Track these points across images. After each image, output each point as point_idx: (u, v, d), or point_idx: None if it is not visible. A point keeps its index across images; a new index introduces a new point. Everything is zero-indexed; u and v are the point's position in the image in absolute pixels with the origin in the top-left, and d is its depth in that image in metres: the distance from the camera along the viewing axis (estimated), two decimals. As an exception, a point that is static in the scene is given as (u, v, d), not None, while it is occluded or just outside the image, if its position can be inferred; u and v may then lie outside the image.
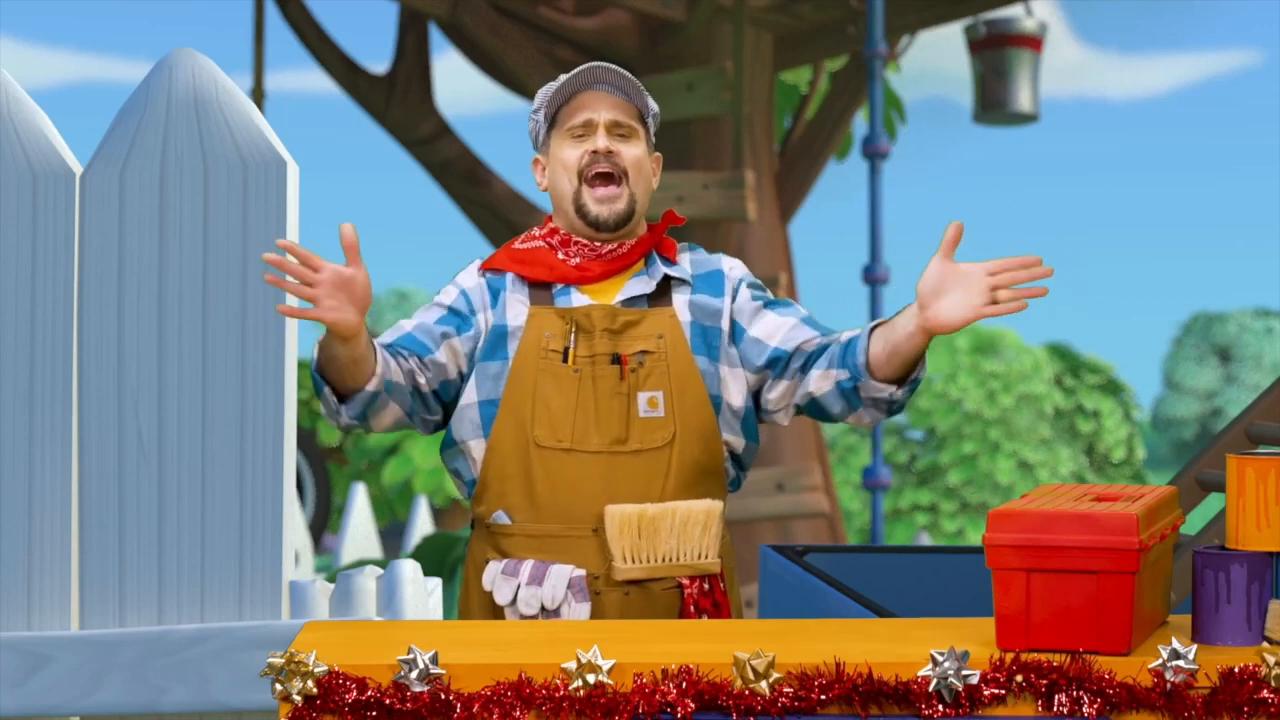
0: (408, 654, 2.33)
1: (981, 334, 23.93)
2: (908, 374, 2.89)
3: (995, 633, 2.42)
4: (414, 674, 2.32)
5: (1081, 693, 2.31)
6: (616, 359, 2.94)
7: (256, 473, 3.10)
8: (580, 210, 2.98)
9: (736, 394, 3.00)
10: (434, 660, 2.33)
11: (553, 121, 3.04)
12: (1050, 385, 23.76)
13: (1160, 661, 2.32)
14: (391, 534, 18.71)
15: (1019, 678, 2.32)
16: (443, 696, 2.31)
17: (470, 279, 3.06)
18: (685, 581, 2.92)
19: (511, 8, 9.58)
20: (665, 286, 3.02)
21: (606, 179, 2.98)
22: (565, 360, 2.94)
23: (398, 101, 9.96)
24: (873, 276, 8.62)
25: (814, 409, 2.99)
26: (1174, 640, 2.33)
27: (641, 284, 3.01)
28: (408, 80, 9.98)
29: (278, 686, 2.33)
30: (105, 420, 3.12)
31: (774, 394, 3.00)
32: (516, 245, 3.06)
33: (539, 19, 9.59)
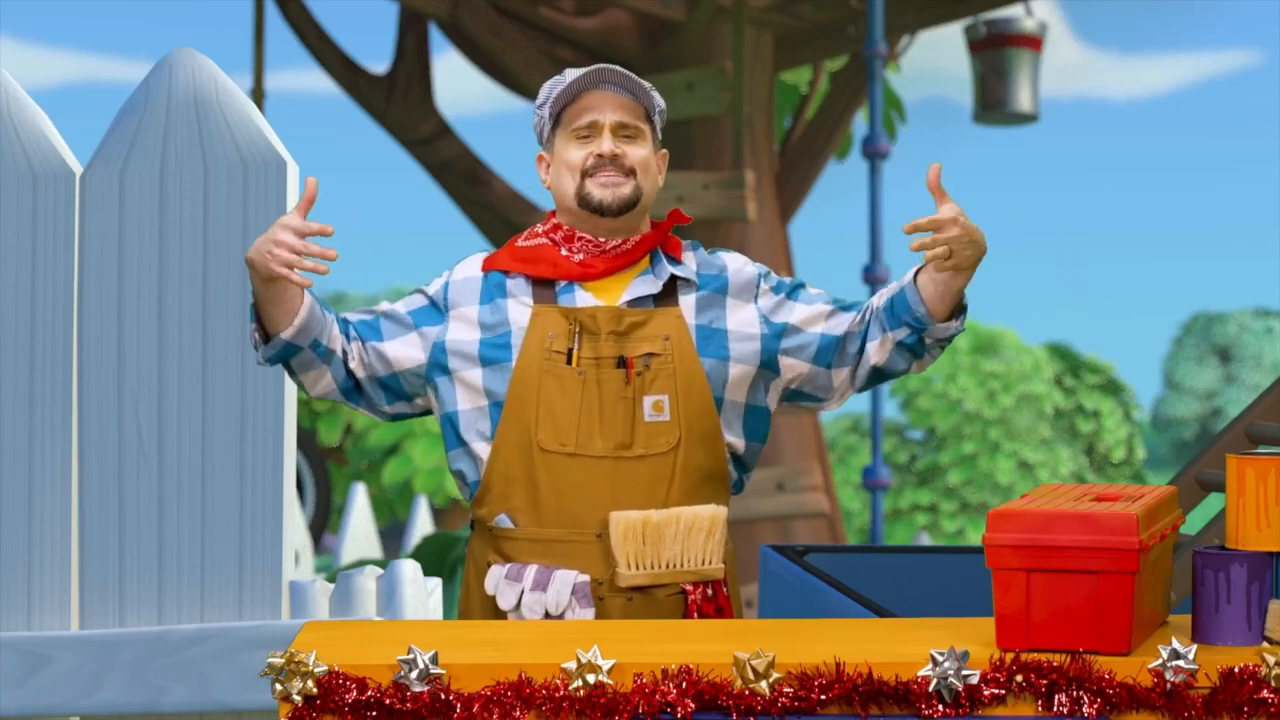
0: (408, 654, 2.33)
1: (981, 334, 23.93)
2: (956, 306, 2.96)
3: (995, 633, 2.42)
4: (414, 674, 2.32)
5: (1081, 693, 2.31)
6: (622, 362, 2.92)
7: (256, 473, 3.10)
8: (583, 199, 2.96)
9: (743, 392, 2.99)
10: (434, 660, 2.32)
11: (557, 120, 3.01)
12: (1050, 385, 23.77)
13: (1160, 661, 2.32)
14: (391, 534, 18.71)
15: (1019, 678, 2.32)
16: (443, 696, 2.31)
17: (464, 270, 3.03)
18: (689, 587, 2.92)
19: (511, 8, 9.59)
20: (671, 286, 3.00)
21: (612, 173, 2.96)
22: (569, 362, 2.92)
23: (398, 101, 9.96)
24: (873, 276, 8.62)
25: (876, 377, 3.05)
26: (1174, 640, 2.33)
27: (647, 284, 2.99)
28: (408, 80, 9.98)
29: (278, 686, 2.33)
30: (105, 420, 3.12)
31: (835, 379, 3.03)
32: (519, 243, 3.03)
33: (539, 19, 9.60)
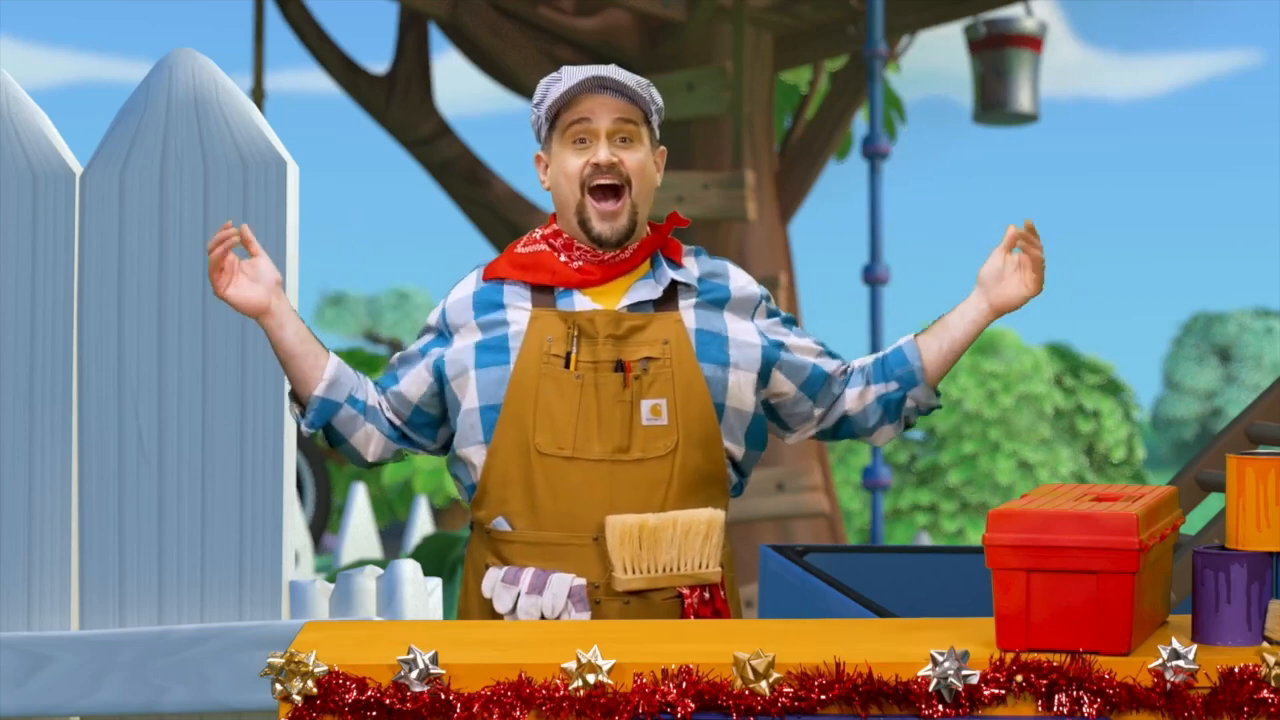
0: (408, 654, 2.33)
1: (982, 334, 23.92)
2: (946, 372, 3.11)
3: (995, 633, 2.42)
4: (414, 674, 2.32)
5: (1081, 693, 2.31)
6: (620, 366, 2.92)
7: (256, 473, 3.10)
8: (583, 224, 2.97)
9: (747, 401, 2.99)
10: (434, 660, 2.32)
11: (553, 122, 3.01)
12: (1050, 385, 23.77)
13: (1160, 661, 2.32)
14: (391, 534, 18.72)
15: (1019, 678, 2.32)
16: (443, 696, 2.31)
17: (458, 292, 3.04)
18: (685, 591, 2.92)
19: (511, 8, 9.58)
20: (671, 291, 3.00)
21: (609, 191, 2.96)
22: (567, 366, 2.92)
23: (398, 101, 9.96)
24: (873, 276, 8.62)
25: (839, 428, 3.12)
26: (1174, 640, 2.33)
27: (648, 289, 2.99)
28: (408, 80, 9.98)
29: (278, 686, 2.33)
30: (105, 420, 3.12)
31: (813, 413, 3.10)
32: (519, 249, 3.03)
33: (539, 19, 9.59)
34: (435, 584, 3.31)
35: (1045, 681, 2.32)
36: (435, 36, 10.49)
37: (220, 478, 3.10)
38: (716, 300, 3.02)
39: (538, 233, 3.04)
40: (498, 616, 2.94)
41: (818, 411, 3.09)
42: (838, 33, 9.89)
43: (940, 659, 2.31)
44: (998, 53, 9.94)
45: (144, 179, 3.13)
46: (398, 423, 3.03)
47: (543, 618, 2.88)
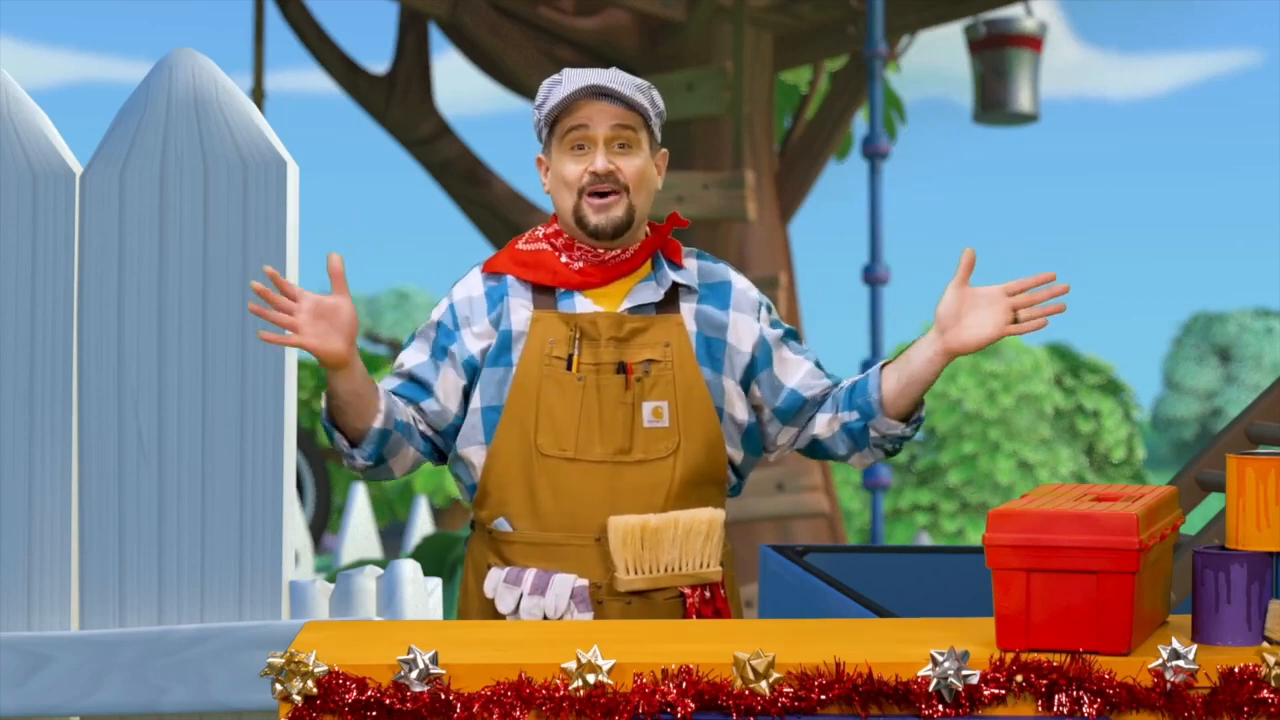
0: (408, 654, 2.33)
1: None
2: (912, 412, 2.98)
3: (995, 633, 2.42)
4: (414, 674, 2.32)
5: (1081, 693, 2.31)
6: (622, 368, 2.92)
7: (256, 473, 3.10)
8: (580, 220, 2.96)
9: (741, 409, 3.00)
10: (434, 660, 2.32)
11: (552, 126, 3.00)
12: (1050, 385, 23.76)
13: (1160, 661, 2.32)
14: (391, 534, 18.71)
15: (1019, 678, 2.32)
16: (443, 696, 2.31)
17: (465, 289, 3.03)
18: (687, 590, 2.92)
19: (511, 8, 9.58)
20: (672, 294, 3.00)
21: (606, 193, 2.96)
22: (569, 367, 2.92)
23: (398, 101, 9.96)
24: (873, 276, 8.62)
25: (814, 449, 3.09)
26: (1174, 640, 2.33)
27: (649, 291, 2.98)
28: (408, 80, 9.98)
29: (278, 686, 2.33)
30: (105, 420, 3.12)
31: (780, 436, 3.08)
32: (520, 245, 3.03)
33: (539, 19, 9.59)
34: (435, 584, 3.31)
35: (1045, 681, 2.32)
36: (435, 36, 10.49)
37: (220, 478, 3.09)
38: (718, 301, 3.02)
39: (540, 231, 3.04)
40: (498, 616, 2.94)
41: (789, 433, 3.06)
42: (838, 33, 9.89)
43: (940, 659, 2.31)
44: (998, 53, 9.94)
45: (144, 179, 3.13)
46: (430, 434, 3.01)
47: (545, 618, 2.88)
